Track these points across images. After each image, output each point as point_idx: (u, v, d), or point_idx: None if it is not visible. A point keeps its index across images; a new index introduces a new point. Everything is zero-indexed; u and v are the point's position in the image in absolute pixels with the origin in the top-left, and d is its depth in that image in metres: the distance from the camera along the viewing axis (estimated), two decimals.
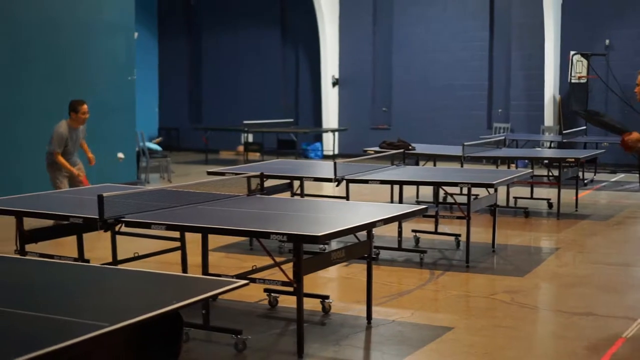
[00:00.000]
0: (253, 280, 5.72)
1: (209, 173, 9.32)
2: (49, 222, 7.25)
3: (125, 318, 3.15)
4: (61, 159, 9.62)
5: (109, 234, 6.65)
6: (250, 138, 21.40)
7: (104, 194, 5.80)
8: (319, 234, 5.24)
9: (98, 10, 14.08)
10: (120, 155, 14.05)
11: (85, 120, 9.82)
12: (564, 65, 18.68)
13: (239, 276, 5.71)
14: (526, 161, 15.25)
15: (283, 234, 5.30)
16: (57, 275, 4.29)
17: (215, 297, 4.52)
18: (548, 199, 12.40)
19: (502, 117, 19.79)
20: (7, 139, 12.43)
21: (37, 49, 12.96)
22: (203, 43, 23.67)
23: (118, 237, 6.92)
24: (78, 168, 9.89)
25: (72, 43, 13.60)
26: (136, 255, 7.16)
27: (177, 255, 7.26)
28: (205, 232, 5.84)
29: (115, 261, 6.94)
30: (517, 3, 19.23)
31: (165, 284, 4.05)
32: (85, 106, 9.70)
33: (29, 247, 6.55)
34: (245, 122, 20.16)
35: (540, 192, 13.36)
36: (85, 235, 6.98)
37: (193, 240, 6.97)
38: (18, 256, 6.13)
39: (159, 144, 17.75)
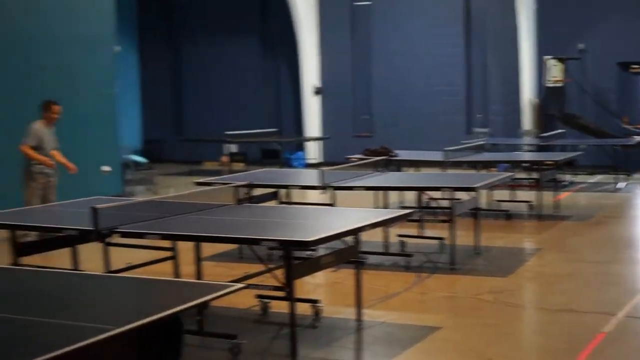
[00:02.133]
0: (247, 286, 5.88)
1: (197, 184, 9.46)
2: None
3: (132, 321, 3.31)
4: (32, 152, 9.89)
5: (99, 246, 6.76)
6: (234, 148, 21.49)
7: (98, 206, 5.95)
8: (309, 239, 5.43)
9: (78, 24, 14.16)
10: (105, 168, 14.12)
11: (56, 120, 10.26)
12: (540, 69, 18.97)
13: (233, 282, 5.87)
14: (506, 165, 15.49)
15: (274, 240, 5.48)
16: (58, 283, 4.44)
17: (208, 302, 4.68)
18: (529, 201, 12.63)
19: (481, 121, 20.04)
20: None
21: (16, 65, 13.02)
22: (184, 54, 23.77)
23: (109, 249, 7.03)
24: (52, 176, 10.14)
25: (52, 58, 13.65)
26: (129, 265, 7.26)
27: (168, 265, 7.36)
28: (198, 240, 6.01)
29: (108, 272, 7.04)
30: (492, 10, 19.47)
31: (164, 289, 4.21)
32: (57, 107, 10.16)
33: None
34: (228, 132, 20.25)
35: (521, 194, 13.57)
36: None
37: (183, 250, 7.12)
38: (18, 267, 6.26)
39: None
